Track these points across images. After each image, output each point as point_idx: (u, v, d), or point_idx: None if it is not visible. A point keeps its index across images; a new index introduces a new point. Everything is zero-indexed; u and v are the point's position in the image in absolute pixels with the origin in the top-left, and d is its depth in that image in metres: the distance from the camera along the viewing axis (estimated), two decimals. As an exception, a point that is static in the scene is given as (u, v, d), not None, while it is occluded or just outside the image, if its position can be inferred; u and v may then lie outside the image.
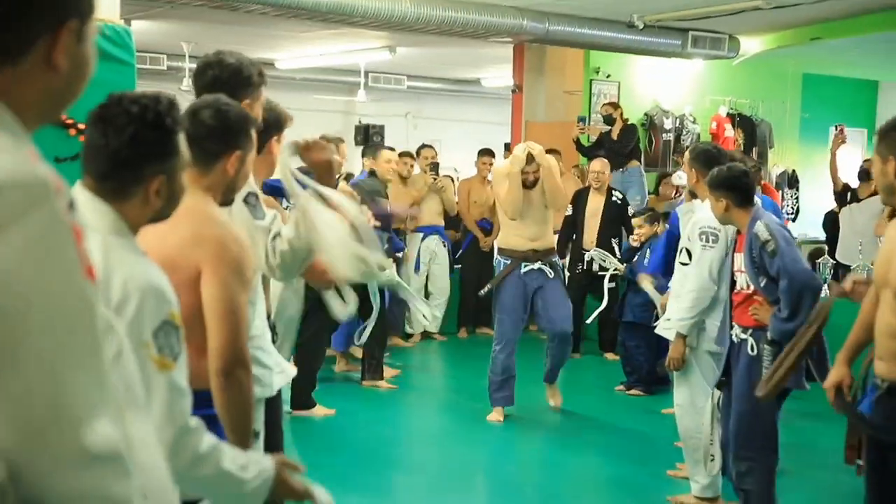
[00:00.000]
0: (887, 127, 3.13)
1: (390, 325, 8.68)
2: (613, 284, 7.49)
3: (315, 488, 1.90)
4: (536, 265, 6.05)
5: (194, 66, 3.15)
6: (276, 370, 2.94)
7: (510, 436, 5.97)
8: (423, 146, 9.21)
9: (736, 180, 4.24)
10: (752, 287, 4.20)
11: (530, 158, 5.94)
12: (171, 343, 1.75)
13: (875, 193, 8.66)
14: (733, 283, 4.36)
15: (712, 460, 4.68)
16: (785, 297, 4.00)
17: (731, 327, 4.33)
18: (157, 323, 1.73)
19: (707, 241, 4.56)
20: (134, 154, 1.78)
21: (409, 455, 5.86)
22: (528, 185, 5.97)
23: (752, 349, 4.19)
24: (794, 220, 10.59)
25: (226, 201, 2.50)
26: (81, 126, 3.29)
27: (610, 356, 8.24)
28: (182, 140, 1.85)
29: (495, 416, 6.12)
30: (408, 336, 8.95)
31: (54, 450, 1.06)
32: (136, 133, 1.78)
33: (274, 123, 3.45)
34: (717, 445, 4.63)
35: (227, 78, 2.81)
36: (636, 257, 7.17)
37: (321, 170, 2.89)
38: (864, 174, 8.76)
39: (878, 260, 3.16)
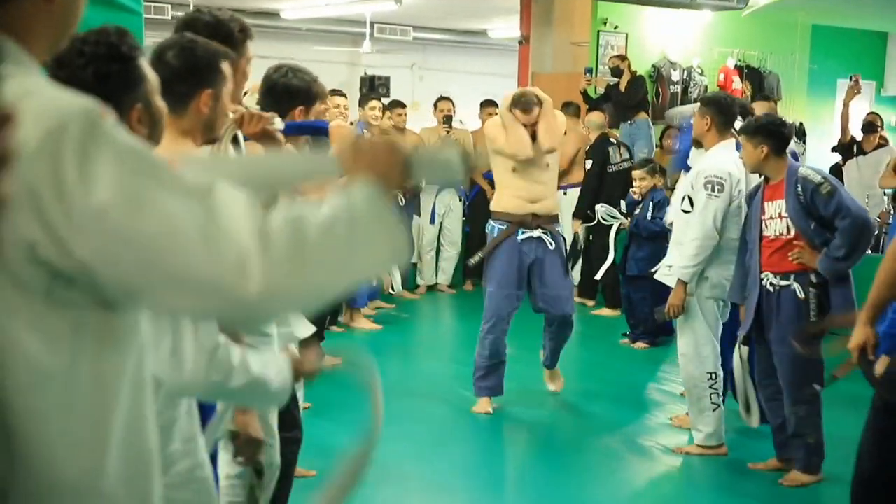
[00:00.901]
0: None
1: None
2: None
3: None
4: (536, 233, 5.24)
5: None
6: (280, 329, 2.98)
7: (511, 386, 5.87)
8: (440, 98, 9.20)
9: (776, 127, 4.30)
10: (792, 232, 4.23)
11: (523, 102, 5.14)
12: None
13: (880, 146, 8.68)
14: (760, 232, 4.37)
15: (748, 410, 4.66)
16: (845, 236, 4.08)
17: (761, 278, 4.34)
18: None
19: (713, 189, 4.57)
20: (102, 91, 1.73)
21: (409, 403, 5.79)
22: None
23: (800, 292, 4.24)
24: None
25: (209, 140, 2.45)
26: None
27: (604, 312, 8.30)
28: (145, 64, 1.85)
29: (482, 407, 5.41)
30: (415, 287, 9.01)
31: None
32: (97, 70, 1.78)
33: (302, 93, 3.39)
34: (752, 397, 4.62)
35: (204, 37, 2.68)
36: (638, 210, 7.17)
37: (261, 140, 2.72)
38: (869, 126, 8.75)
39: None
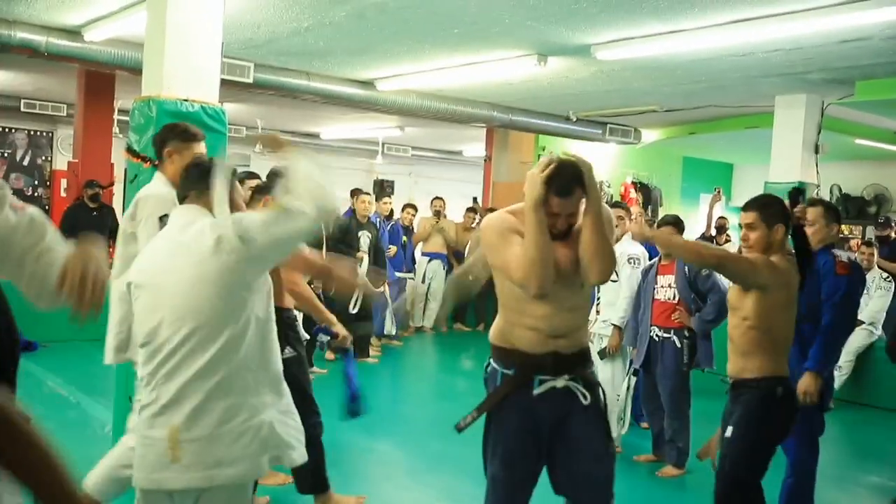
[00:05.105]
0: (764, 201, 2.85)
1: (400, 321, 8.64)
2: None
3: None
4: (560, 381, 2.35)
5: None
6: None
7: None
8: (435, 198, 9.16)
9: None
10: (677, 299, 4.23)
11: (565, 175, 2.22)
12: None
13: (727, 240, 8.83)
14: (652, 297, 4.32)
15: (622, 422, 4.64)
16: (715, 307, 4.12)
17: (650, 329, 4.29)
18: None
19: (634, 263, 4.55)
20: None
21: (399, 408, 5.76)
22: (555, 235, 2.29)
23: (679, 343, 4.23)
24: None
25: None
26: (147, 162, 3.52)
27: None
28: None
29: None
30: (407, 327, 8.94)
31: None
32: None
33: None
34: (628, 412, 4.61)
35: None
36: None
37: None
38: (720, 228, 8.94)
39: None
